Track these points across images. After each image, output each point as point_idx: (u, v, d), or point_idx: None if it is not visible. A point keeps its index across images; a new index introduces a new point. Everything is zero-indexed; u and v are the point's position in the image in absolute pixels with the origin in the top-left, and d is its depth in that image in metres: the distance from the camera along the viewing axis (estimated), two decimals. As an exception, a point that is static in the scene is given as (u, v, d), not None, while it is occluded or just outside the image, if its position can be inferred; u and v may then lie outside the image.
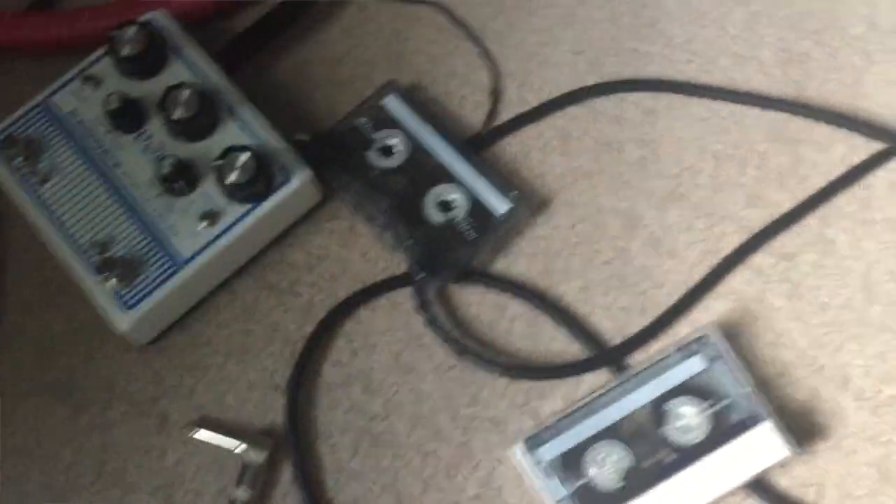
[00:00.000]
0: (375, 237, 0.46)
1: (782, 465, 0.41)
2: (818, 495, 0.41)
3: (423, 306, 0.44)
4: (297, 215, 0.46)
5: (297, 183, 0.44)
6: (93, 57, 0.47)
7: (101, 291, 0.42)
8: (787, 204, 0.46)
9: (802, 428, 0.42)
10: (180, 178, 0.42)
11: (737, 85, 0.48)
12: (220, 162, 0.42)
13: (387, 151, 0.47)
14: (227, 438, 0.42)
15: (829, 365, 0.43)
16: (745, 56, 0.49)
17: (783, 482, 0.41)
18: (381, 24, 0.51)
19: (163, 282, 0.42)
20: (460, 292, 0.46)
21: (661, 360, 0.42)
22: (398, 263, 0.46)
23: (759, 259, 0.45)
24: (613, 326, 0.45)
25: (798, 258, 0.45)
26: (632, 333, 0.44)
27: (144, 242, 0.43)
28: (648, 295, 0.45)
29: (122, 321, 0.42)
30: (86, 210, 0.44)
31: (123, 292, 0.42)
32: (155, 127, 0.45)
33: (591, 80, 0.49)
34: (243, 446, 0.42)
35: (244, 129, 0.44)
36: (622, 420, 0.41)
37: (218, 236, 0.43)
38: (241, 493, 0.41)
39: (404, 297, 0.45)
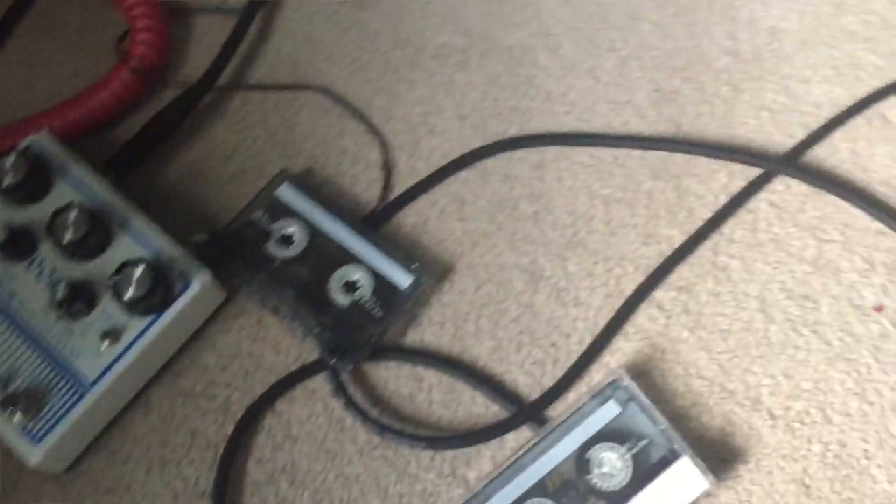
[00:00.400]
0: (285, 328, 0.46)
1: (707, 495, 0.42)
2: (746, 519, 0.42)
3: (339, 390, 0.44)
4: (203, 318, 0.46)
5: (198, 287, 0.44)
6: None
7: (7, 428, 0.41)
8: (678, 238, 0.47)
9: (721, 454, 0.43)
10: (76, 301, 0.42)
11: (616, 129, 0.50)
12: (115, 279, 0.42)
13: (286, 241, 0.47)
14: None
15: (739, 389, 0.44)
16: (620, 101, 0.51)
17: (711, 512, 0.43)
18: (265, 114, 0.52)
19: (70, 409, 0.41)
20: (376, 369, 0.46)
21: (577, 409, 0.43)
22: (310, 351, 0.46)
23: (660, 295, 0.46)
24: (530, 382, 0.45)
25: (695, 289, 0.46)
26: (547, 387, 0.45)
27: (47, 371, 0.42)
28: (559, 346, 0.46)
29: (33, 455, 0.41)
30: (-16, 346, 0.43)
31: (30, 426, 0.41)
32: (46, 251, 0.44)
33: (477, 143, 0.50)
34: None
35: (138, 240, 0.44)
36: (547, 475, 0.42)
37: (122, 354, 0.42)
38: None
39: (320, 384, 0.45)
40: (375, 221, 0.48)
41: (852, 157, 0.49)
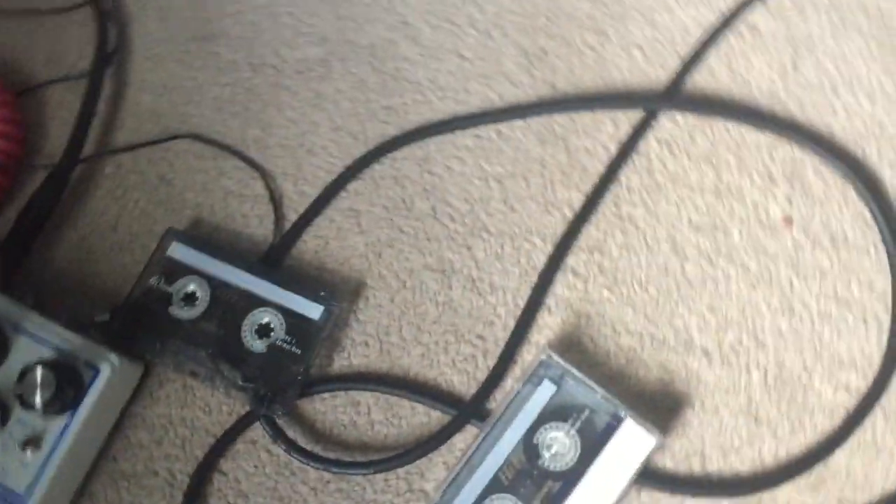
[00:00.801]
0: (209, 387, 0.45)
1: (660, 448, 0.42)
2: (703, 462, 0.42)
3: (278, 436, 0.44)
4: (125, 398, 0.45)
5: (108, 371, 0.42)
6: None
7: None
8: (578, 199, 0.47)
9: (666, 404, 0.43)
10: (-14, 418, 0.41)
11: (493, 104, 0.49)
12: (19, 387, 0.41)
13: (189, 299, 0.46)
14: None
15: (669, 335, 0.44)
16: (491, 74, 0.50)
17: (668, 463, 0.42)
18: (140, 174, 0.50)
19: (8, 529, 0.40)
20: (311, 404, 0.45)
21: (514, 397, 0.42)
22: (241, 403, 0.45)
23: (572, 260, 0.46)
24: (464, 379, 0.45)
25: (605, 246, 0.46)
26: (482, 380, 0.44)
27: (-24, 496, 0.41)
28: (485, 336, 0.45)
29: (-21, 586, 0.40)
30: None
31: (-28, 557, 0.40)
32: (-56, 375, 0.43)
33: (359, 152, 0.49)
34: None
35: (36, 339, 0.43)
36: (500, 470, 0.41)
37: (48, 458, 0.41)
38: None
39: (259, 433, 0.45)
40: (276, 256, 0.47)
41: (730, 75, 0.48)
